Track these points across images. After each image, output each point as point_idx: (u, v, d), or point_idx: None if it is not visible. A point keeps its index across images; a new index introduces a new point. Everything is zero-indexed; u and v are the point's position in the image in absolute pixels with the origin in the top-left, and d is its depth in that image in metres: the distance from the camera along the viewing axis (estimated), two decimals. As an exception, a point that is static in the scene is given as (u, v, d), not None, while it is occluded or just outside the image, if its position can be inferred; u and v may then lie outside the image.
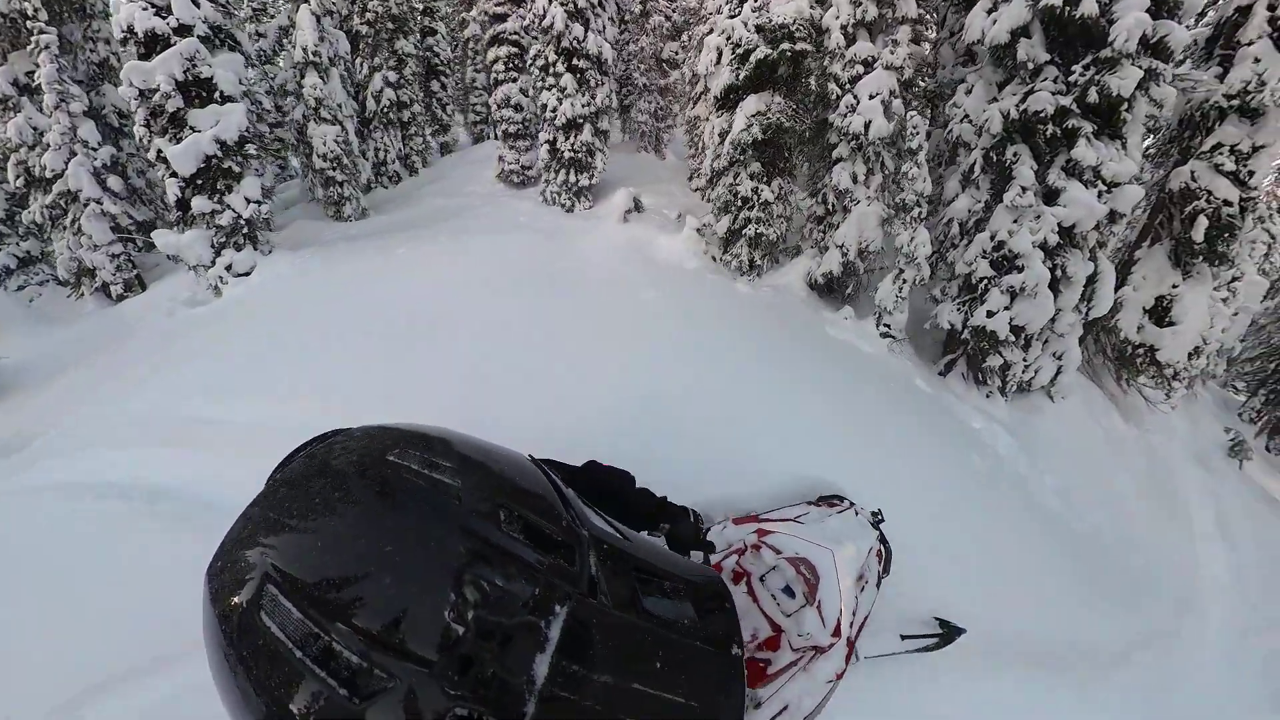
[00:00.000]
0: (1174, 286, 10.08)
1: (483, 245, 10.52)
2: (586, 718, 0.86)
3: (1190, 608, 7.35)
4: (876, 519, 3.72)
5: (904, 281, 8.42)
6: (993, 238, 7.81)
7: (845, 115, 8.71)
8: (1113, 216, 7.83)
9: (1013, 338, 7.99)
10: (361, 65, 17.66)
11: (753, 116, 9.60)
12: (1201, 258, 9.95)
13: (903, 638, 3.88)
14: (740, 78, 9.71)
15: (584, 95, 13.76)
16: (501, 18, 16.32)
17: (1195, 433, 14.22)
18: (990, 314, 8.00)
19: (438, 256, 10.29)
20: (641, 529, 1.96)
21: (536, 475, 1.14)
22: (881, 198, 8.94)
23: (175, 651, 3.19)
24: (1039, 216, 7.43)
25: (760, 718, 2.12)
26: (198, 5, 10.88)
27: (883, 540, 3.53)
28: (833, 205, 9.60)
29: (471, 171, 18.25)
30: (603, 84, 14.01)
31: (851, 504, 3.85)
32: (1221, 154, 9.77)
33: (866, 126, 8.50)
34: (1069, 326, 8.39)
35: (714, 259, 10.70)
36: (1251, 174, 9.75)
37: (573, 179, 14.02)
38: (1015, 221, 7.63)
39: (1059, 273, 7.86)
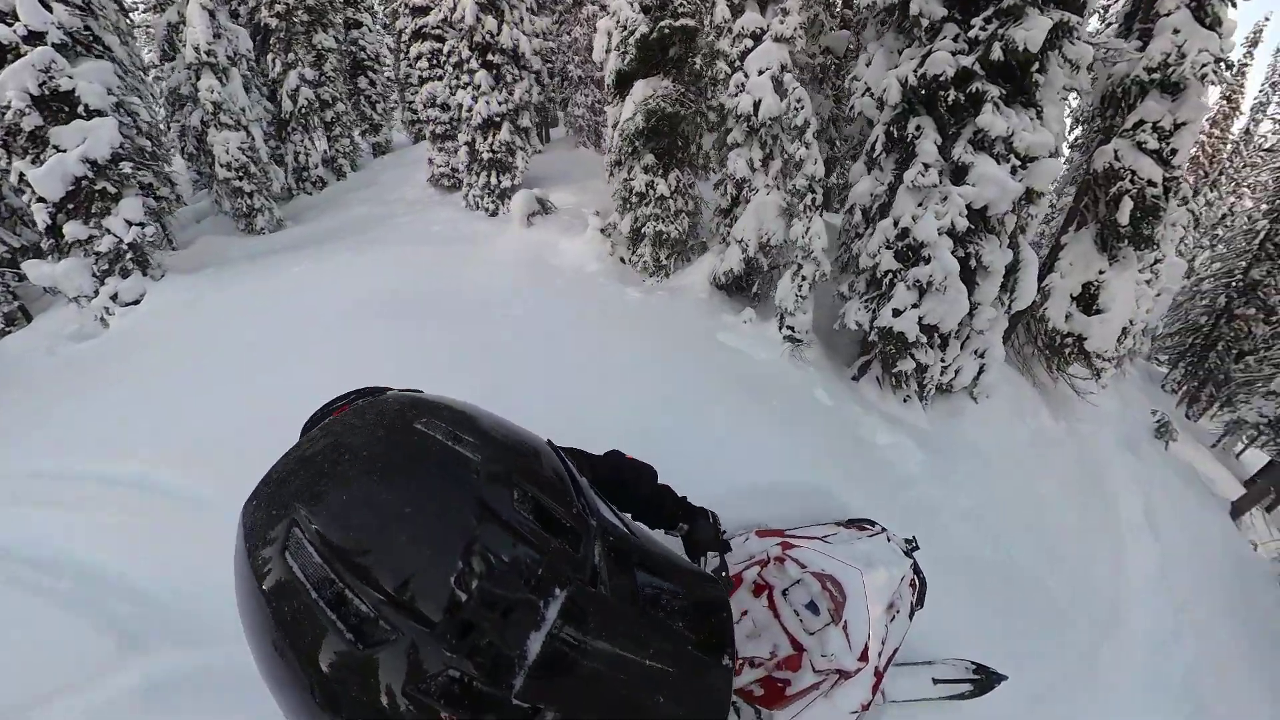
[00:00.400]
0: (1101, 273, 8.72)
1: (378, 261, 8.95)
2: (570, 698, 0.79)
3: (1114, 624, 6.31)
4: (911, 546, 3.14)
5: (803, 279, 6.89)
6: (896, 224, 6.29)
7: (735, 94, 7.18)
8: (1030, 196, 6.37)
9: (924, 338, 6.52)
10: (274, 62, 15.37)
11: (640, 103, 8.05)
12: (1127, 241, 8.61)
13: (935, 681, 3.44)
14: (627, 61, 8.11)
15: (500, 92, 11.99)
16: (423, 10, 14.31)
17: (1125, 415, 13.16)
18: (896, 312, 6.49)
19: (325, 276, 8.66)
20: (659, 526, 1.83)
21: (553, 460, 1.01)
22: (782, 185, 7.41)
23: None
24: (945, 198, 5.94)
25: None
26: (49, 9, 8.98)
27: (916, 570, 2.99)
28: (733, 196, 8.08)
29: (404, 174, 16.32)
30: (521, 79, 12.29)
31: (884, 529, 3.24)
32: (1144, 131, 8.39)
33: (756, 106, 6.95)
34: (989, 322, 6.94)
35: (622, 260, 9.10)
36: (1174, 152, 8.39)
37: (494, 181, 12.22)
38: (920, 205, 6.12)
39: (973, 262, 6.38)
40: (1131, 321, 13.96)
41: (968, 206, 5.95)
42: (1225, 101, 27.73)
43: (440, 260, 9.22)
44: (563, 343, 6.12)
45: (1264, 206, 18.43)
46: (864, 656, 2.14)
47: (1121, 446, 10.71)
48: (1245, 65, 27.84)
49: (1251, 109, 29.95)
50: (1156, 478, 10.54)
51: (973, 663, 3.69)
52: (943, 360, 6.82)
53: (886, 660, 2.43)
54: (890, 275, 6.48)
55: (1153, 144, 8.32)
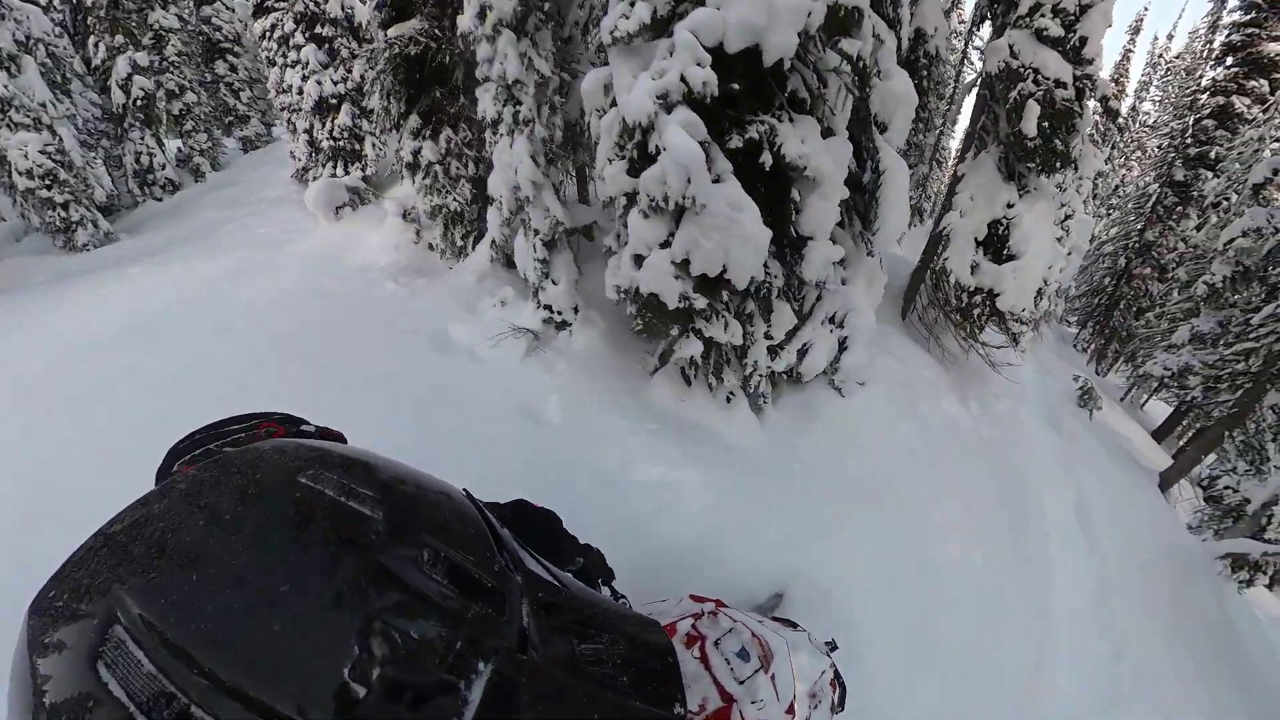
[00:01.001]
0: (1009, 206, 5.88)
1: (174, 277, 6.66)
2: None
3: (1037, 680, 4.12)
4: (831, 647, 2.40)
5: (535, 233, 4.05)
6: (611, 105, 3.48)
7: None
8: (845, 21, 3.43)
9: (701, 299, 3.62)
10: (97, 47, 11.74)
11: (381, 51, 5.21)
12: (1038, 163, 5.82)
13: None
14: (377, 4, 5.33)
15: (336, 70, 9.07)
16: (268, -21, 11.17)
17: (1044, 384, 10.65)
18: (639, 259, 3.68)
19: (105, 301, 6.16)
20: (562, 566, 1.28)
21: (469, 511, 0.74)
22: (536, 125, 4.51)
23: None
24: (671, 49, 3.06)
25: None
26: None
27: (837, 672, 2.30)
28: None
29: (270, 172, 13.05)
30: (360, 54, 9.34)
31: (805, 631, 2.37)
32: (1043, 16, 5.61)
33: (484, 12, 4.06)
34: (835, 269, 4.09)
35: (430, 247, 6.47)
36: (1084, 41, 5.61)
37: (342, 174, 9.16)
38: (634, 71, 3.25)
39: (766, 160, 3.52)
40: (1046, 281, 11.43)
41: (715, 52, 3.02)
42: (1114, 84, 27.60)
43: (223, 273, 6.51)
44: (239, 363, 4.18)
45: (1152, 174, 18.20)
46: (791, 710, 1.75)
47: (1044, 425, 8.02)
48: (1129, 51, 27.97)
49: (1135, 90, 29.55)
50: (1085, 461, 7.90)
51: None
52: (768, 337, 3.92)
53: None
54: (626, 201, 3.54)
55: (1055, 31, 5.52)
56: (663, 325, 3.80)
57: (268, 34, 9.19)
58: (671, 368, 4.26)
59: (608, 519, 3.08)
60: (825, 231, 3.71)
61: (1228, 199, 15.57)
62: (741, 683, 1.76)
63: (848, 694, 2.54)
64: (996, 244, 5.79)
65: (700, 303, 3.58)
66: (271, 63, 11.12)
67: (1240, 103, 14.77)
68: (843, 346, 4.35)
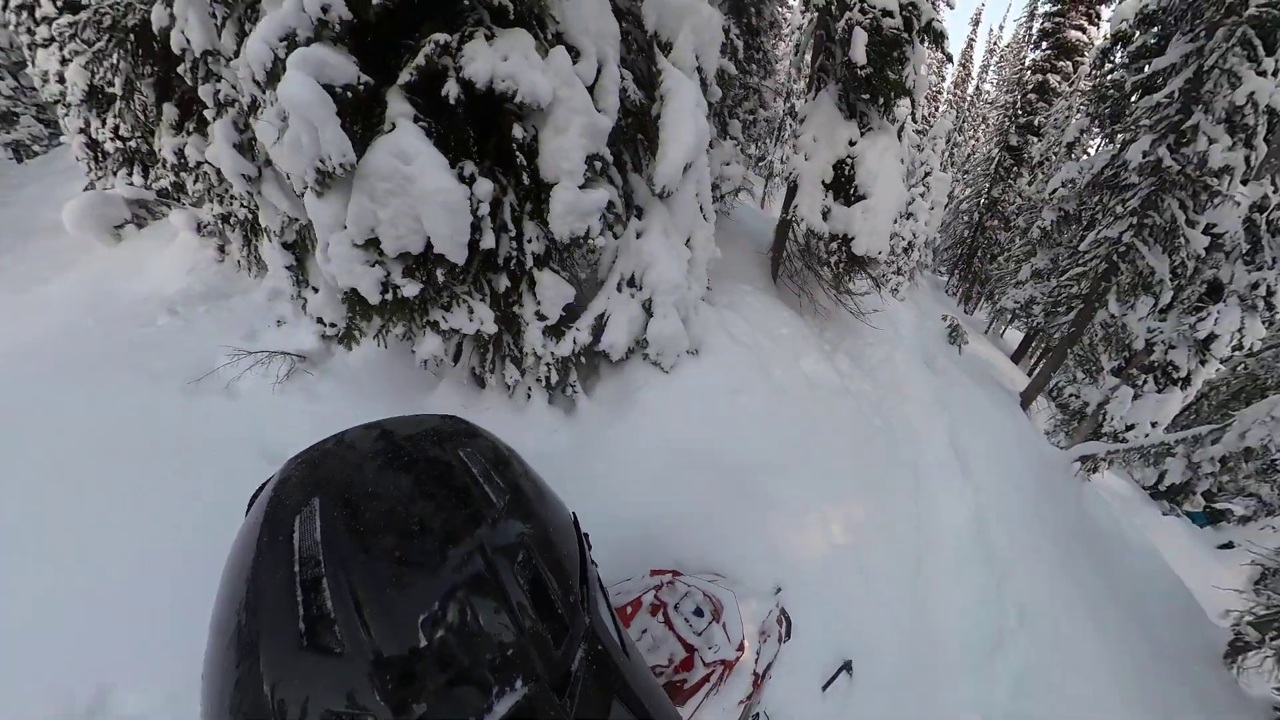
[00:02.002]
0: (852, 144, 4.74)
1: None
2: None
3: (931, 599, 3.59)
4: (776, 589, 2.73)
5: (272, 235, 3.02)
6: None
7: None
8: None
9: (412, 285, 2.46)
10: None
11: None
12: (874, 93, 4.66)
13: (824, 689, 2.83)
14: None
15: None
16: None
17: (923, 325, 9.92)
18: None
19: None
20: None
21: (571, 536, 0.67)
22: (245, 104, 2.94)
23: None
24: None
25: None
26: None
27: (784, 611, 2.48)
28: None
29: (53, 187, 8.92)
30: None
31: (739, 582, 2.57)
32: None
33: None
34: (637, 222, 2.78)
35: (239, 263, 4.53)
36: None
37: (134, 182, 6.65)
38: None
39: (458, 86, 2.20)
40: (914, 234, 10.58)
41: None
42: (962, 68, 28.76)
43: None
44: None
45: (993, 141, 18.34)
46: (741, 647, 1.85)
47: (920, 366, 7.14)
48: (972, 40, 28.61)
49: (978, 73, 30.54)
50: (956, 393, 7.14)
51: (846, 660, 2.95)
52: (540, 316, 2.63)
53: (764, 669, 2.08)
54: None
55: (887, -43, 4.34)
56: (386, 321, 2.46)
57: (6, 2, 6.46)
58: (461, 370, 2.92)
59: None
60: (572, 174, 2.43)
61: (1049, 158, 16.03)
62: (699, 634, 1.75)
63: (793, 626, 2.54)
64: (844, 185, 4.62)
65: (411, 289, 2.24)
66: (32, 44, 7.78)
67: (1053, 79, 15.15)
68: (649, 312, 3.03)
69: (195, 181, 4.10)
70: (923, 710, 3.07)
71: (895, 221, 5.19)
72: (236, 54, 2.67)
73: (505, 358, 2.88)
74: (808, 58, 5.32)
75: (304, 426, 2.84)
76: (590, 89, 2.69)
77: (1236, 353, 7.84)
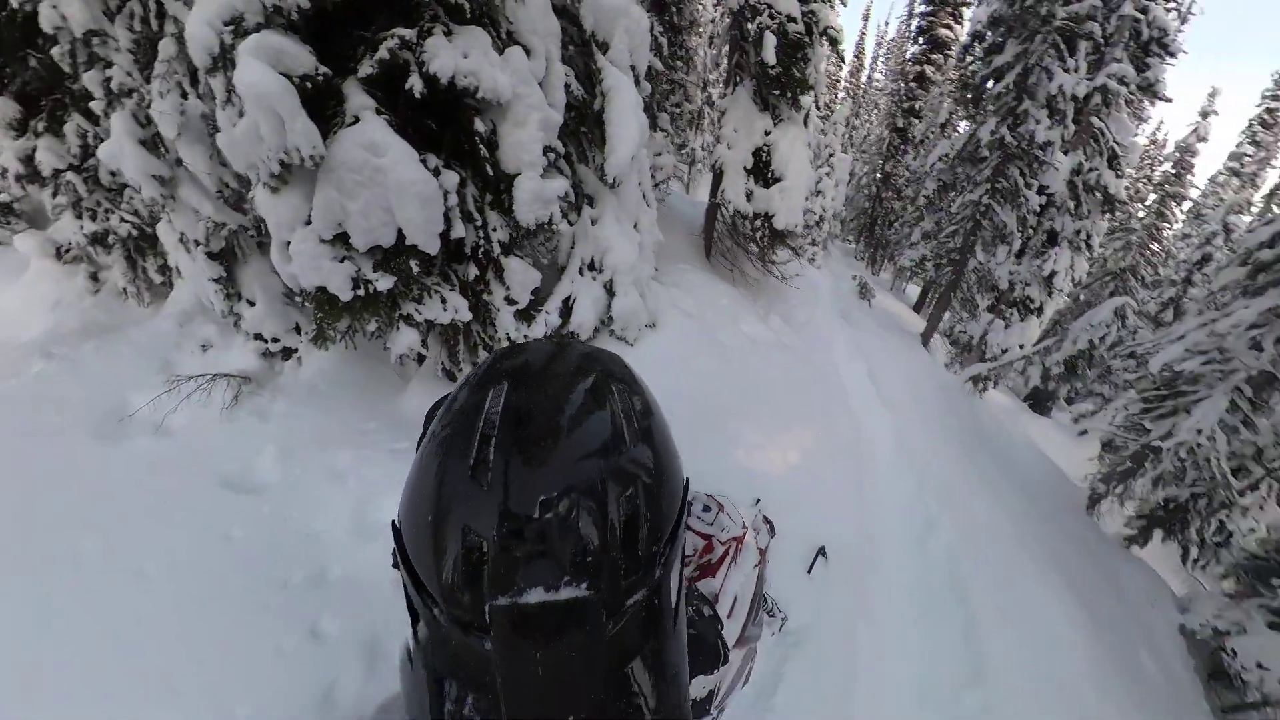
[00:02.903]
0: (767, 134, 5.04)
1: None
2: (510, 656, 0.46)
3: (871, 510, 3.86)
4: (755, 500, 2.63)
5: (194, 244, 2.53)
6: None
7: None
8: None
9: (385, 278, 2.40)
10: None
11: None
12: (783, 89, 4.95)
13: (809, 573, 3.05)
14: None
15: None
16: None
17: (837, 287, 10.61)
18: (287, 246, 2.26)
19: None
20: None
21: (675, 499, 0.60)
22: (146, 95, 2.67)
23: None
24: None
25: (722, 609, 1.49)
26: None
27: (765, 515, 2.39)
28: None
29: None
30: None
31: (729, 497, 2.12)
32: None
33: None
34: (591, 210, 2.88)
35: (124, 291, 3.62)
36: None
37: None
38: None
39: (421, 81, 2.21)
40: (824, 208, 11.19)
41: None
42: (855, 59, 29.03)
43: None
44: None
45: (884, 124, 19.16)
46: (744, 528, 1.78)
47: (838, 320, 7.74)
48: (863, 34, 29.32)
49: (869, 64, 31.14)
50: (869, 339, 7.79)
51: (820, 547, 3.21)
52: (511, 302, 2.69)
53: (764, 548, 2.08)
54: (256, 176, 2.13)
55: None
56: (357, 320, 2.42)
57: None
58: (430, 367, 2.92)
59: (356, 572, 1.84)
60: (533, 165, 2.50)
61: (928, 137, 17.12)
62: (710, 524, 1.84)
63: (775, 526, 2.59)
64: (762, 170, 4.89)
65: (384, 282, 2.24)
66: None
67: (929, 70, 16.00)
68: (611, 292, 3.18)
69: (55, 195, 3.22)
70: (882, 583, 3.43)
71: (807, 199, 5.57)
72: (142, 36, 2.40)
73: (477, 346, 2.89)
74: (725, 51, 5.52)
75: (267, 450, 2.53)
76: (541, 84, 2.75)
77: (1073, 284, 9.03)
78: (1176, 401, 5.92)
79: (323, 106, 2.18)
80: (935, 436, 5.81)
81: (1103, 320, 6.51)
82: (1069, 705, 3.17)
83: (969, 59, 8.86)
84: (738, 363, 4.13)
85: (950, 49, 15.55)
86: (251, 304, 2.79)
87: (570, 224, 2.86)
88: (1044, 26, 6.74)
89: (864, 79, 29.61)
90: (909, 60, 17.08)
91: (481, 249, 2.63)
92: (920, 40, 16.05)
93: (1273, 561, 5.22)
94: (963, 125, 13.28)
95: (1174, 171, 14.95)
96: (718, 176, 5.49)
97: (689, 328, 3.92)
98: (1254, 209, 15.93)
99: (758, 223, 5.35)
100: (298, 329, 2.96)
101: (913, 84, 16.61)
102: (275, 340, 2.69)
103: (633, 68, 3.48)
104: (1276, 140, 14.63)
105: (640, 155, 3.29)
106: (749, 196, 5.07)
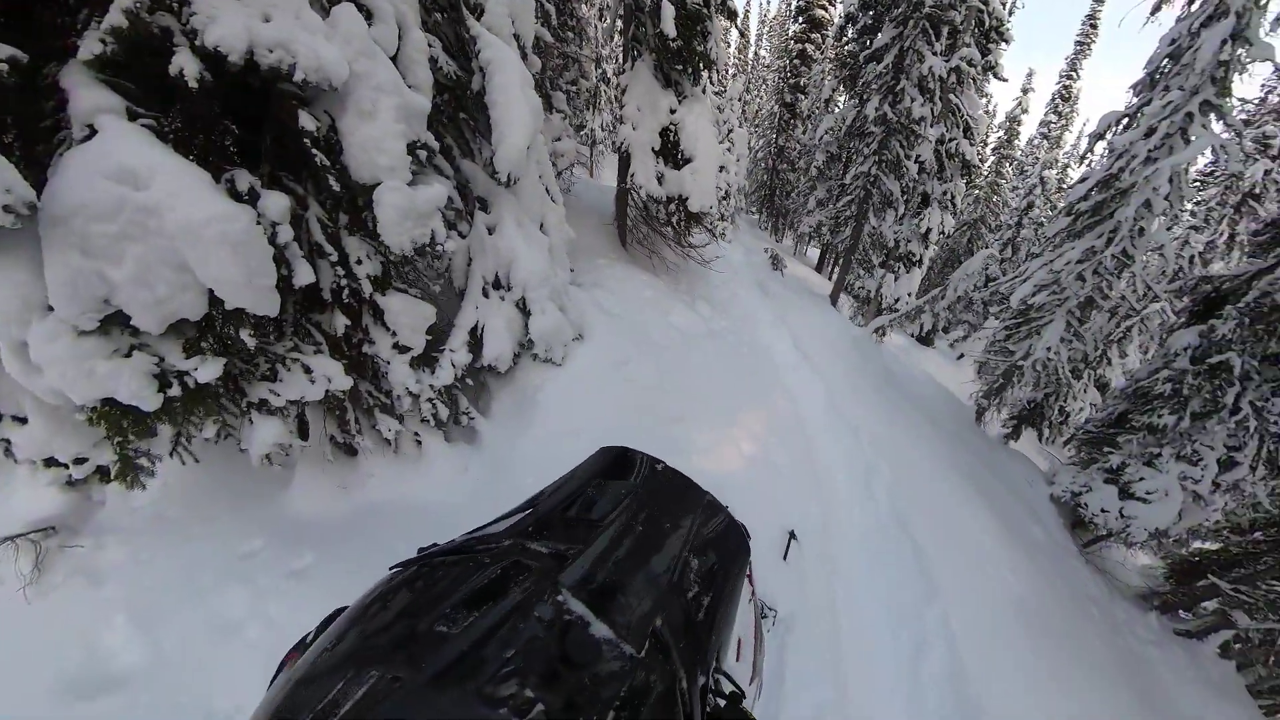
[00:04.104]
0: (672, 111, 4.60)
1: None
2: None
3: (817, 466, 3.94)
4: (722, 507, 2.11)
5: None
6: None
7: None
8: None
9: (212, 364, 1.69)
10: None
11: None
12: (687, 67, 4.53)
13: (784, 559, 3.04)
14: None
15: None
16: None
17: (750, 260, 10.69)
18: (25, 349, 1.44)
19: None
20: None
21: (738, 587, 0.94)
22: None
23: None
24: None
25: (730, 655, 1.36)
26: None
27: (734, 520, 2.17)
28: None
29: None
30: None
31: None
32: None
33: None
34: (486, 216, 2.29)
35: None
36: None
37: None
38: None
39: (195, 62, 1.53)
40: (728, 184, 11.15)
41: None
42: (741, 37, 28.94)
43: None
44: None
45: (774, 100, 19.13)
46: None
47: (758, 294, 7.74)
48: (748, 12, 29.22)
49: (755, 41, 31.41)
50: (788, 307, 7.89)
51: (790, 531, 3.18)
52: (400, 349, 2.01)
53: (748, 571, 1.85)
54: None
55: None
56: (183, 429, 1.70)
57: None
58: (317, 446, 2.21)
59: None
60: (395, 169, 1.86)
61: (814, 111, 17.53)
62: None
63: (747, 528, 2.28)
64: (672, 151, 4.49)
65: (209, 370, 1.55)
66: None
67: (810, 48, 16.19)
68: (526, 310, 2.63)
69: None
70: (843, 540, 3.51)
71: (726, 185, 5.31)
72: None
73: (372, 410, 2.21)
74: (618, 28, 4.93)
75: (115, 622, 1.76)
76: (394, 59, 2.07)
77: (942, 236, 9.95)
78: (1030, 327, 6.91)
79: (28, 114, 1.35)
80: (858, 388, 6.10)
81: (975, 269, 7.20)
82: (995, 587, 3.65)
83: (845, 39, 9.11)
84: (674, 361, 3.81)
85: (828, 29, 16.04)
86: (21, 420, 1.76)
87: (462, 236, 2.26)
88: (915, 13, 7.01)
89: (751, 55, 30.23)
90: (791, 38, 17.32)
91: (346, 290, 1.94)
92: (800, 19, 16.31)
93: (1100, 433, 6.37)
94: (843, 100, 13.87)
95: (1005, 138, 17.39)
96: (625, 160, 4.99)
97: (618, 332, 3.50)
98: (1059, 164, 19.03)
99: (672, 206, 4.99)
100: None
101: (796, 61, 16.89)
102: (80, 461, 1.76)
103: (516, 37, 2.84)
104: (1072, 110, 17.33)
105: (537, 143, 2.73)
106: (660, 179, 4.67)
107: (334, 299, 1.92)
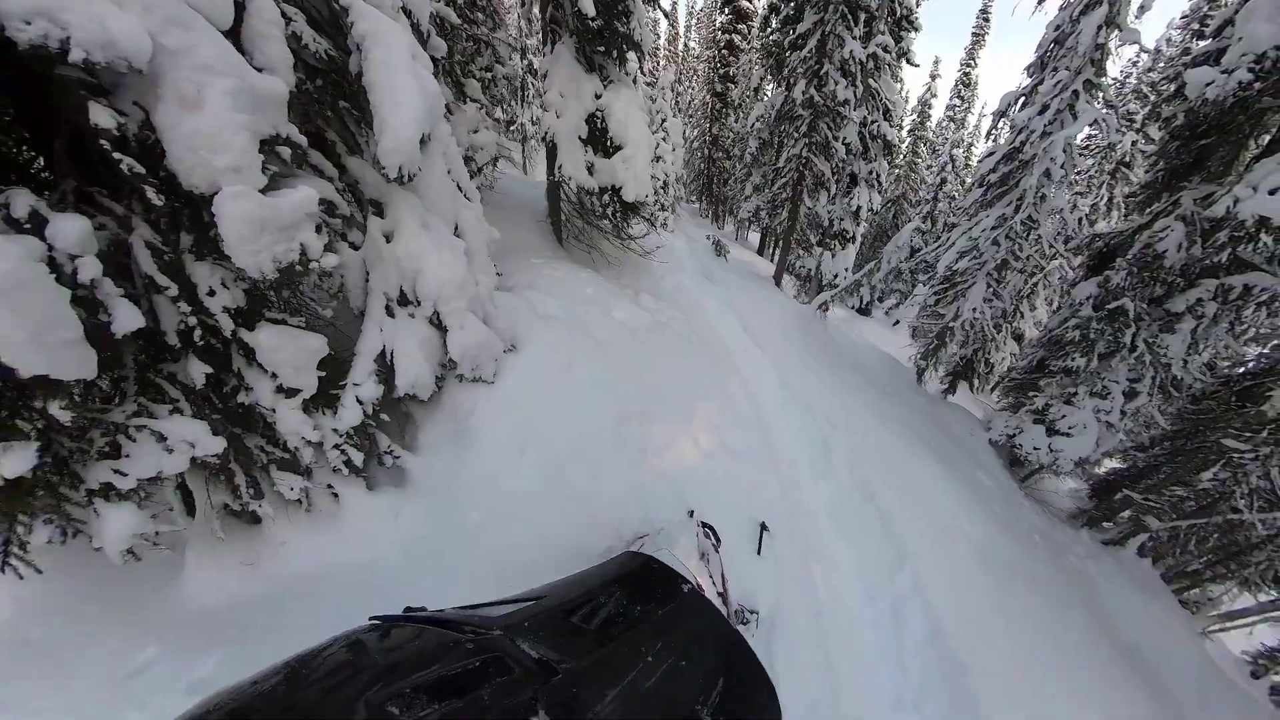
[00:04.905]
0: (598, 97, 4.27)
1: None
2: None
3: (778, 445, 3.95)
4: (689, 512, 2.64)
5: None
6: None
7: None
8: None
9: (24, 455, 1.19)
10: None
11: None
12: (611, 50, 4.22)
13: (759, 553, 2.93)
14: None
15: None
16: None
17: (693, 249, 10.58)
18: None
19: None
20: None
21: None
22: None
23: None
24: None
25: None
26: None
27: (702, 524, 2.46)
28: None
29: None
30: None
31: (661, 528, 2.39)
32: None
33: None
34: (381, 221, 1.89)
35: None
36: None
37: None
38: None
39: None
40: (666, 174, 10.95)
41: None
42: (671, 28, 28.91)
43: None
44: None
45: (705, 90, 19.24)
46: (699, 588, 1.64)
47: (703, 281, 7.62)
48: (675, 4, 28.75)
49: (684, 33, 31.48)
50: (734, 292, 7.80)
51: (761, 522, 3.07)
52: (286, 392, 1.60)
53: (723, 583, 2.07)
54: None
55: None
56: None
57: None
58: (205, 521, 1.75)
59: None
60: (242, 171, 1.46)
61: (745, 100, 17.67)
62: None
63: (717, 531, 2.53)
64: (600, 139, 4.18)
65: (16, 461, 1.12)
66: None
67: (737, 39, 16.16)
68: (441, 327, 2.24)
69: None
70: (811, 520, 3.45)
71: (651, 165, 5.07)
72: None
73: (268, 467, 1.79)
74: (535, 9, 4.51)
75: None
76: (235, 34, 1.63)
77: (871, 214, 10.33)
78: (955, 290, 7.34)
79: None
80: (807, 364, 6.15)
81: (905, 242, 7.50)
82: (958, 542, 3.74)
83: (769, 30, 9.12)
84: (622, 358, 3.56)
85: (753, 20, 16.05)
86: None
87: (355, 247, 1.85)
88: None
89: (681, 46, 30.21)
90: (719, 29, 17.41)
91: (199, 330, 1.51)
92: (726, 10, 16.34)
93: (1024, 379, 6.94)
94: (770, 89, 14.00)
95: (919, 120, 18.52)
96: (552, 150, 4.61)
97: (558, 335, 3.18)
98: (965, 143, 20.51)
99: (606, 198, 4.69)
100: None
101: (724, 51, 16.90)
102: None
103: (408, 12, 2.41)
104: (972, 94, 18.68)
105: (441, 133, 2.34)
106: (591, 170, 4.35)
107: (184, 343, 1.49)
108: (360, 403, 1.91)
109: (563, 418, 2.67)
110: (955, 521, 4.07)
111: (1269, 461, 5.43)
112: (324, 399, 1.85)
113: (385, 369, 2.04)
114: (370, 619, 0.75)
